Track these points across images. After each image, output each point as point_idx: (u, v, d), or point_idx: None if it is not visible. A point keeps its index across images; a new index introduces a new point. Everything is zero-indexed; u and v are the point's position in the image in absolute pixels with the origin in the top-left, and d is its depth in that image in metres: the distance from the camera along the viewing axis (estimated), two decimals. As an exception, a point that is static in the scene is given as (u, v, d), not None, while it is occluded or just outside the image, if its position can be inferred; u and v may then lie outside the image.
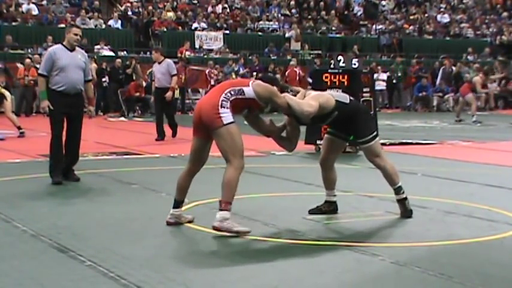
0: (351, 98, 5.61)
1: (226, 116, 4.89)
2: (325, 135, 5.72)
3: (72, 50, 7.37)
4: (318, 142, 10.31)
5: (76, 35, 7.38)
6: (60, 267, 4.16)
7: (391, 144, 11.09)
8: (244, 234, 4.87)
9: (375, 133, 5.51)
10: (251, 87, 5.04)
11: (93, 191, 6.90)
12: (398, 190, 5.55)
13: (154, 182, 7.36)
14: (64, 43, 7.41)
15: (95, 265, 4.14)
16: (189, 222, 5.25)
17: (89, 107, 7.88)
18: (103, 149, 10.58)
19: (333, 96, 5.44)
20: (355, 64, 10.47)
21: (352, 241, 4.81)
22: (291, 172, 8.22)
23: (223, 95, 4.96)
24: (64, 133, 7.39)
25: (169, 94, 11.68)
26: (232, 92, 4.98)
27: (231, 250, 4.65)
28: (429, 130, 14.74)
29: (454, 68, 22.70)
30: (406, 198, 5.57)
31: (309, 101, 5.25)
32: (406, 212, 5.56)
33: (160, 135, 11.78)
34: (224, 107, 4.90)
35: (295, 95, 5.36)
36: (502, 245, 4.84)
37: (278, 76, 20.99)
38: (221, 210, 4.91)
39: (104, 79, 18.74)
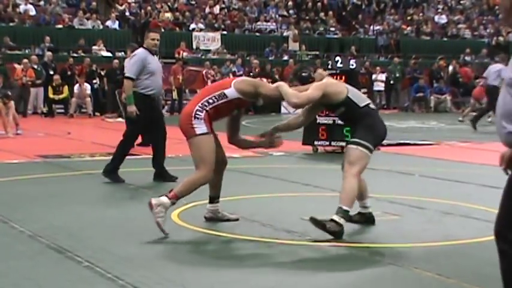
0: (371, 106, 5.24)
1: (199, 127, 4.90)
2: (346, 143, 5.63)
3: (153, 54, 7.45)
4: (316, 143, 10.33)
5: (153, 39, 7.37)
6: (57, 267, 4.15)
7: (388, 145, 11.09)
8: (161, 230, 4.80)
9: (369, 146, 5.02)
10: (233, 88, 5.01)
11: (90, 192, 6.89)
12: (341, 213, 4.82)
13: (151, 182, 7.36)
14: (145, 47, 7.40)
15: (92, 266, 4.13)
16: (229, 220, 5.32)
17: None
18: (100, 149, 10.57)
19: (348, 91, 5.18)
20: (352, 65, 10.49)
21: (350, 242, 4.81)
22: (288, 173, 8.22)
23: (200, 104, 4.96)
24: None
25: (122, 96, 10.36)
26: (210, 100, 4.96)
27: (229, 251, 4.64)
28: (426, 131, 14.75)
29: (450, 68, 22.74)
30: (339, 225, 4.78)
31: (310, 89, 5.06)
32: (321, 227, 4.80)
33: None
34: (198, 118, 4.91)
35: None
36: (499, 246, 4.83)
37: (277, 76, 21.09)
38: (167, 196, 4.89)
39: (94, 81, 18.82)
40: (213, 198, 5.34)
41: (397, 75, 22.45)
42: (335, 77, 10.21)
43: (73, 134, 13.07)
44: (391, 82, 22.26)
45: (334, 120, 10.19)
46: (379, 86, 21.99)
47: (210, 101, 4.96)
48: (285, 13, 25.90)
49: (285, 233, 5.04)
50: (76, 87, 18.07)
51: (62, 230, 5.07)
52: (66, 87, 18.20)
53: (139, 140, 11.00)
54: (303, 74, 5.35)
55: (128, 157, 9.78)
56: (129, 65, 7.38)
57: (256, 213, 5.71)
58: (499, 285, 3.94)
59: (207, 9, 24.71)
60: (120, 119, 16.75)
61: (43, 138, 12.65)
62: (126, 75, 7.35)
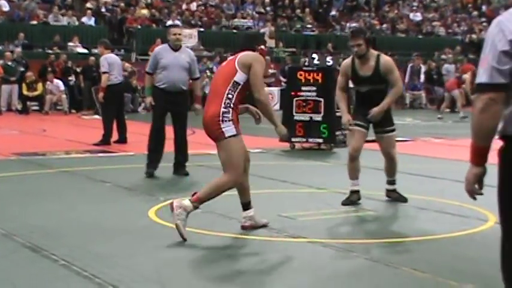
0: None
1: (228, 129, 4.75)
2: (354, 128, 6.17)
3: (176, 50, 7.56)
4: (293, 140, 10.35)
5: (175, 34, 7.56)
6: (32, 266, 4.12)
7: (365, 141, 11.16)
8: (180, 234, 4.67)
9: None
10: (239, 70, 4.80)
11: (66, 190, 6.84)
12: (393, 182, 6.21)
13: (128, 180, 7.32)
14: (168, 43, 7.64)
15: (68, 264, 4.10)
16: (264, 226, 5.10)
17: (195, 105, 7.82)
18: (76, 147, 10.49)
19: None
20: (329, 62, 10.53)
21: (327, 238, 4.84)
22: (265, 169, 8.23)
23: (223, 104, 4.74)
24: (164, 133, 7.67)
25: (99, 95, 10.67)
26: (230, 96, 4.76)
27: (207, 248, 4.64)
28: (402, 127, 14.82)
29: (422, 66, 22.85)
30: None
31: (395, 73, 6.22)
32: (402, 198, 6.12)
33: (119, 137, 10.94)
34: (226, 120, 4.74)
35: None
36: (473, 240, 4.91)
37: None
38: (190, 200, 4.76)
39: (70, 77, 18.68)
40: (247, 204, 5.06)
41: (373, 72, 22.54)
42: (312, 73, 10.28)
43: (48, 131, 12.94)
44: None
45: (311, 117, 10.24)
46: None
47: (230, 96, 4.77)
48: (262, 10, 25.91)
49: (263, 230, 5.05)
50: (47, 83, 17.90)
51: (37, 229, 5.02)
52: (40, 84, 18.01)
53: (115, 137, 10.98)
54: (373, 36, 5.84)
55: (104, 154, 9.76)
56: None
57: (233, 210, 5.70)
58: (472, 279, 4.00)
59: (184, 6, 24.62)
60: (96, 116, 16.64)
61: (18, 135, 12.51)
62: (145, 69, 7.88)
